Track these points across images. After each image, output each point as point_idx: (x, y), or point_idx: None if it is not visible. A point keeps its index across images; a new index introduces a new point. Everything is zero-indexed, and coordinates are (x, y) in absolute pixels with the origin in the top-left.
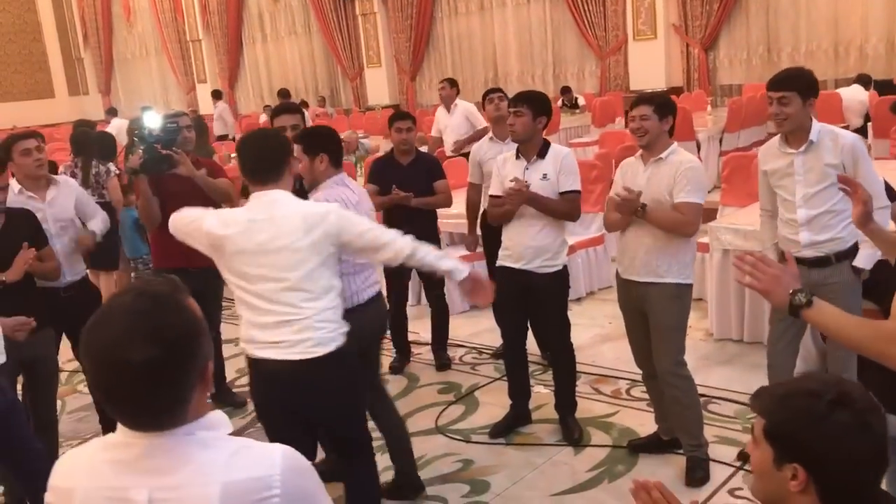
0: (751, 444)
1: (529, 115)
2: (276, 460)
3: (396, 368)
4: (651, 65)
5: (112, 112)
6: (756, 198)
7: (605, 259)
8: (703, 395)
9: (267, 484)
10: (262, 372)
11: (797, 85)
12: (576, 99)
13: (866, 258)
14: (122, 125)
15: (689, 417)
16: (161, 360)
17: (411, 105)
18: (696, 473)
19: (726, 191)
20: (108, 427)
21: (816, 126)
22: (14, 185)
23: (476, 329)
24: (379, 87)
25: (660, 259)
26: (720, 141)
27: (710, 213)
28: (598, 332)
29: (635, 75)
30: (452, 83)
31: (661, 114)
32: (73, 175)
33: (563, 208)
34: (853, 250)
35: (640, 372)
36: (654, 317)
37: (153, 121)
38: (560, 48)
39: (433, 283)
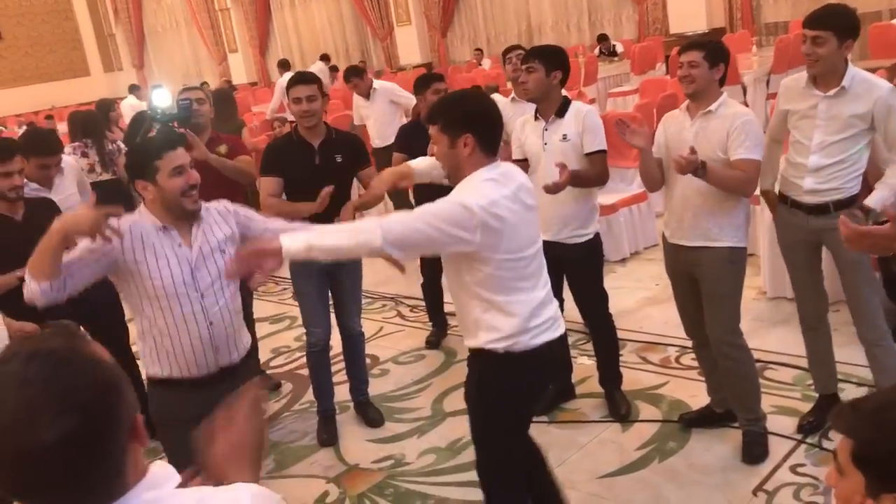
0: (832, 474)
1: (542, 71)
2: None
3: (433, 343)
4: (691, 5)
5: (133, 88)
6: None
7: (649, 216)
8: (758, 361)
9: None
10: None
11: (835, 24)
12: (613, 46)
13: (879, 200)
14: (135, 104)
15: (745, 389)
16: (79, 433)
17: (443, 62)
18: (755, 449)
19: None
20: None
21: (851, 71)
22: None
23: None
24: (410, 45)
25: (711, 221)
26: (767, 83)
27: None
28: (644, 296)
29: (675, 18)
30: (357, 71)
31: (713, 60)
32: (85, 155)
33: (592, 174)
34: (853, 199)
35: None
36: (706, 284)
37: (163, 99)
38: None
39: None
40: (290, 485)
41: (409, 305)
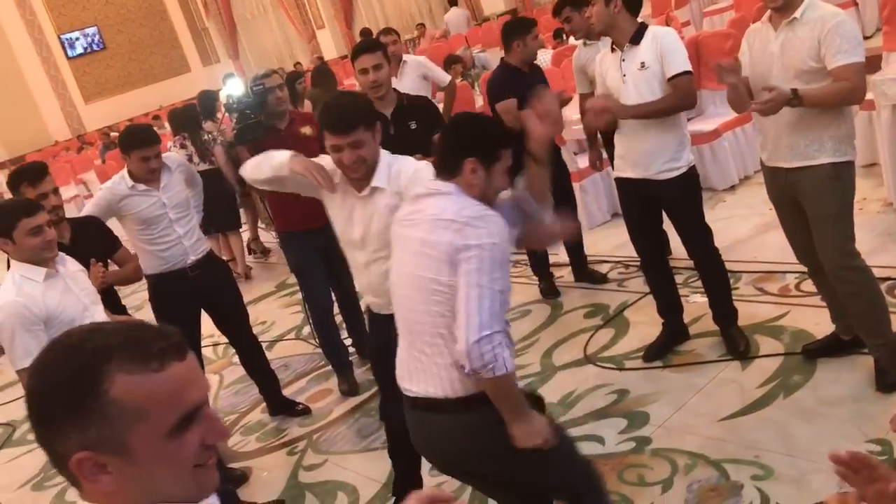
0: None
1: (601, 2)
2: None
3: (546, 291)
4: None
5: (227, 77)
6: None
7: (755, 137)
8: (886, 279)
9: None
10: None
11: None
12: None
13: None
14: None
15: (871, 313)
16: None
17: (529, 7)
18: (889, 377)
19: (888, 33)
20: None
21: None
22: (127, 180)
23: (619, 241)
24: None
25: (809, 137)
26: None
27: (872, 63)
28: (757, 222)
29: None
30: (388, 32)
31: None
32: (184, 147)
33: (670, 102)
34: None
35: None
36: (811, 206)
37: (236, 88)
38: None
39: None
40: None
41: (511, 261)
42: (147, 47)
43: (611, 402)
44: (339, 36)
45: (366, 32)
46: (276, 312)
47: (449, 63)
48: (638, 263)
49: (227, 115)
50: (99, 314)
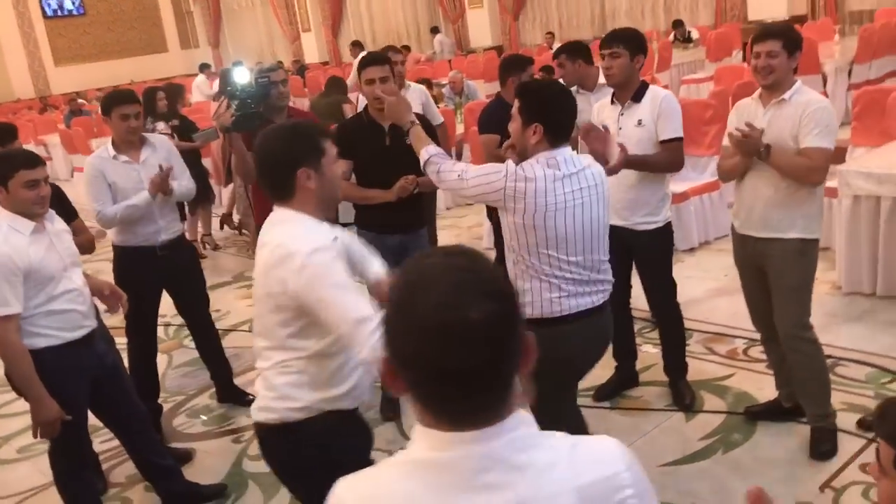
0: (875, 470)
1: (626, 56)
2: (617, 454)
3: None
4: None
5: (203, 67)
6: (890, 137)
7: (720, 206)
8: (829, 357)
9: (619, 483)
10: None
11: None
12: (689, 33)
13: None
14: (200, 83)
15: (815, 385)
16: (499, 317)
17: (514, 46)
18: (823, 446)
19: (857, 129)
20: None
21: None
22: (109, 149)
23: None
24: (481, 28)
25: (781, 212)
26: (849, 73)
27: (838, 154)
28: (712, 286)
29: (753, 4)
30: (397, 50)
31: (791, 49)
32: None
33: (664, 160)
34: None
35: None
36: (775, 275)
37: (242, 76)
38: None
39: None
40: None
41: None
42: (127, 21)
43: None
44: (323, 42)
45: (357, 44)
46: (232, 303)
47: (430, 85)
48: None
49: (227, 99)
50: (77, 276)
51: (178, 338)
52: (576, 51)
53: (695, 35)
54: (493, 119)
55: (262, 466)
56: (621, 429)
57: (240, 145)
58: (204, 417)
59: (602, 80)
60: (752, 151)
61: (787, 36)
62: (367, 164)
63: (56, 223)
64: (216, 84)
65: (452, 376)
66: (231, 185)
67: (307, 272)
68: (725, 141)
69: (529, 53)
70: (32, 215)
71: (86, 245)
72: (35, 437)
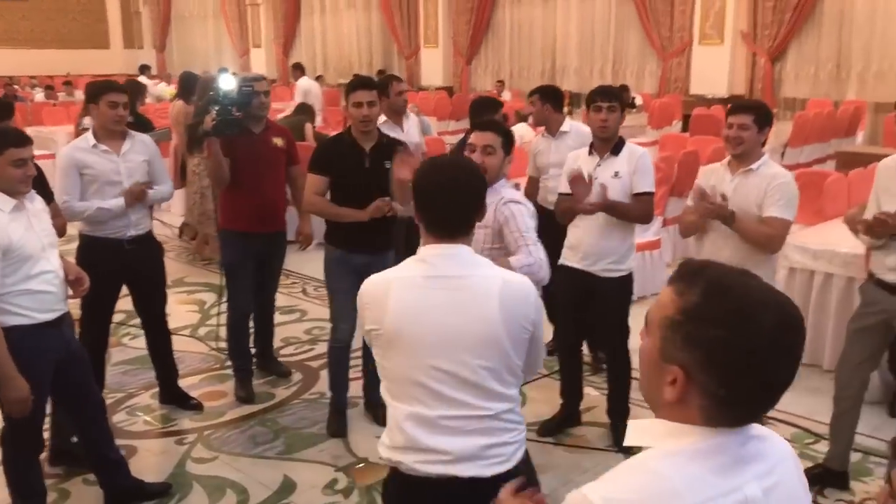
0: (885, 497)
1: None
2: None
3: None
4: (714, 70)
5: (144, 69)
6: (824, 216)
7: (660, 264)
8: None
9: None
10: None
11: None
12: (633, 98)
13: None
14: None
15: None
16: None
17: (464, 88)
18: None
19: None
20: (163, 385)
21: None
22: (90, 138)
23: None
24: (434, 68)
25: None
26: (782, 155)
27: None
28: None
29: (697, 79)
30: (399, 79)
31: (761, 124)
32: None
33: (637, 211)
34: None
35: None
36: None
37: (228, 83)
38: (622, 45)
39: None
40: (299, 468)
41: None
42: (71, 12)
43: None
44: (273, 60)
45: (298, 66)
46: (172, 306)
47: None
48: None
49: (211, 108)
50: (54, 257)
51: (118, 335)
52: (548, 95)
53: (639, 101)
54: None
55: (206, 469)
56: (564, 464)
57: (217, 150)
58: (145, 416)
59: (565, 127)
60: (718, 217)
61: (758, 112)
62: (344, 184)
63: (36, 203)
64: (161, 86)
65: (780, 387)
66: (184, 189)
67: (538, 304)
68: (690, 200)
69: (476, 94)
70: (15, 193)
71: (58, 230)
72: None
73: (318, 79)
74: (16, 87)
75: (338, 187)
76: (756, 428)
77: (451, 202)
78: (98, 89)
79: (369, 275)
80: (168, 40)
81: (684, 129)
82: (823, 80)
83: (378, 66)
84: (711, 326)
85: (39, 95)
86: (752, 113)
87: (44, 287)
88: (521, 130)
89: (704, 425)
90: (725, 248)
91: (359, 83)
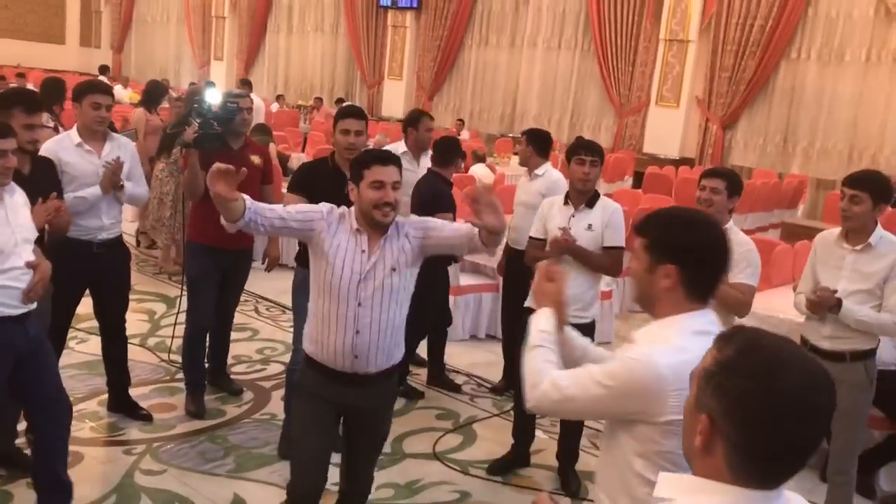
0: None
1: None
2: None
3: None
4: (668, 132)
5: (103, 70)
6: (770, 283)
7: (609, 314)
8: None
9: None
10: None
11: (870, 186)
12: None
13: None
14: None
15: None
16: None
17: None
18: None
19: None
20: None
21: (879, 231)
22: (74, 136)
23: (474, 359)
24: (395, 99)
25: None
26: None
27: None
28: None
29: (651, 139)
30: (431, 117)
31: (731, 191)
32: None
33: (605, 263)
34: (871, 352)
35: None
36: None
37: (214, 97)
38: (581, 98)
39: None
40: (250, 488)
41: None
42: (28, 3)
43: (453, 500)
44: (234, 73)
45: (246, 83)
46: None
47: None
48: (489, 385)
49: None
50: (27, 253)
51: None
52: (534, 138)
53: None
54: (445, 197)
55: (155, 482)
56: (512, 502)
57: (194, 162)
58: (92, 423)
59: (540, 171)
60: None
61: (731, 179)
62: None
63: (16, 196)
64: (118, 88)
65: (802, 449)
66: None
67: None
68: None
69: (438, 133)
70: None
71: (63, 226)
72: None
73: (279, 98)
74: None
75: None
76: (786, 494)
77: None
78: (83, 89)
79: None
80: (127, 42)
81: (635, 185)
82: (770, 151)
83: (339, 92)
84: (740, 377)
85: None
86: (725, 179)
87: (12, 283)
88: (478, 171)
89: (732, 483)
90: None
91: (350, 111)
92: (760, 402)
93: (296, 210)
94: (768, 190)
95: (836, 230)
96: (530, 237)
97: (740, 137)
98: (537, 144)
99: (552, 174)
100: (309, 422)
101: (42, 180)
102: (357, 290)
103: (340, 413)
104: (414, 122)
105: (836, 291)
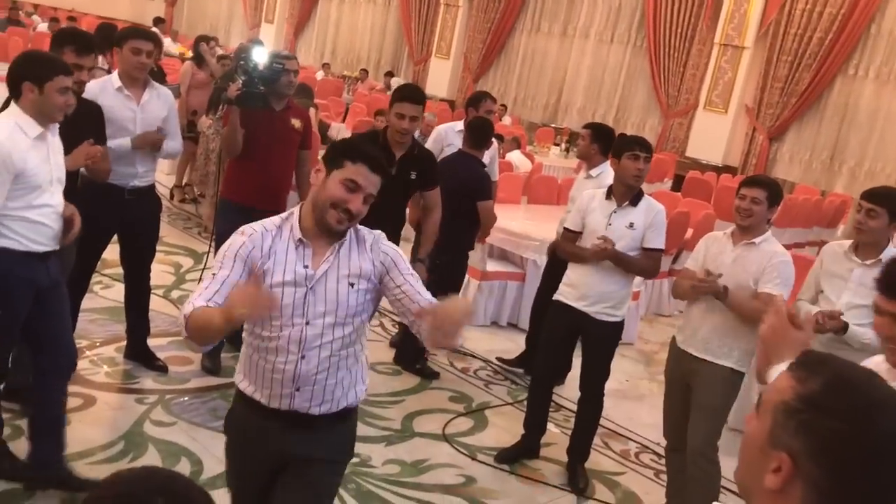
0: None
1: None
2: None
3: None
4: (713, 138)
5: (157, 21)
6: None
7: (635, 316)
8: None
9: None
10: None
11: (888, 203)
12: None
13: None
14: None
15: (704, 502)
16: None
17: None
18: None
19: None
20: (132, 341)
21: (891, 249)
22: (115, 80)
23: (492, 346)
24: (440, 78)
25: (722, 341)
26: None
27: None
28: (614, 387)
29: (695, 143)
30: (494, 99)
31: (772, 201)
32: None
33: (643, 265)
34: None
35: (650, 438)
36: (699, 394)
37: (261, 56)
38: (628, 95)
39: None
40: None
41: (394, 320)
42: None
43: (459, 483)
44: (283, 38)
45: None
46: None
47: (378, 114)
48: (505, 373)
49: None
50: (59, 194)
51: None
52: (600, 135)
53: None
54: (487, 181)
55: (163, 433)
56: (518, 494)
57: (235, 119)
58: (107, 369)
59: (595, 171)
60: (711, 293)
61: (772, 189)
62: None
63: (56, 137)
64: (168, 41)
65: (891, 497)
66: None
67: None
68: (689, 263)
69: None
70: (49, 120)
71: (102, 174)
72: None
73: (325, 66)
74: (20, 11)
75: None
76: None
77: None
78: (124, 34)
79: None
80: None
81: (674, 188)
82: (816, 167)
83: (387, 65)
84: (831, 418)
85: (42, 26)
86: (766, 189)
87: (42, 219)
88: (514, 158)
89: None
90: (715, 314)
91: (408, 94)
92: (856, 446)
93: (220, 266)
94: (810, 207)
95: (847, 242)
96: (565, 228)
97: (786, 150)
98: (602, 143)
99: (606, 178)
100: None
101: (85, 124)
102: (304, 307)
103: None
104: (475, 102)
105: (841, 314)
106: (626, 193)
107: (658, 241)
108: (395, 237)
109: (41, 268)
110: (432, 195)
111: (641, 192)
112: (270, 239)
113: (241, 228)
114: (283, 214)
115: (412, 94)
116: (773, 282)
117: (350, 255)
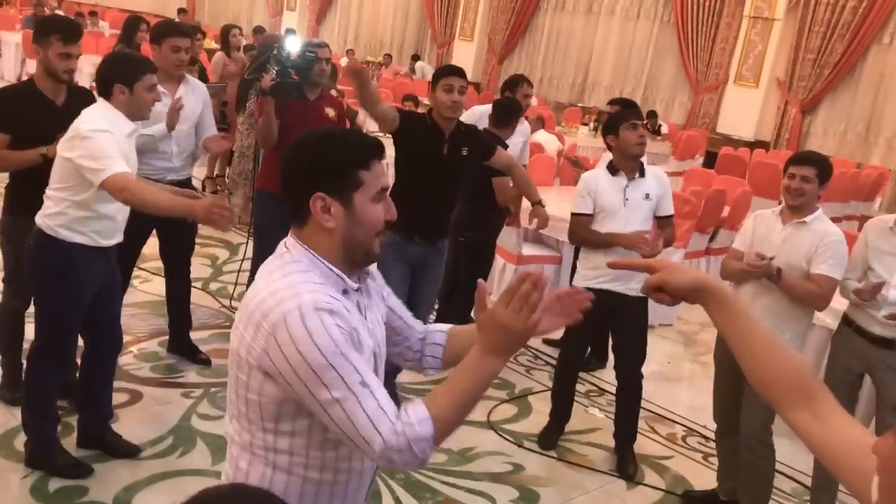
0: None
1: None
2: None
3: None
4: (745, 112)
5: (181, 11)
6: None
7: None
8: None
9: None
10: None
11: None
12: (659, 126)
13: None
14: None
15: (760, 487)
16: None
17: (493, 87)
18: None
19: None
20: (174, 335)
21: None
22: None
23: None
24: (464, 61)
25: (773, 321)
26: None
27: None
28: (655, 370)
29: (725, 118)
30: (530, 84)
31: (822, 178)
32: None
33: (668, 237)
34: None
35: (696, 421)
36: None
37: (293, 45)
38: (657, 72)
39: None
40: None
41: None
42: None
43: (507, 471)
44: (305, 25)
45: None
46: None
47: (417, 103)
48: (546, 358)
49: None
50: None
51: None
52: (625, 110)
53: (664, 129)
54: None
55: (211, 427)
56: (566, 481)
57: (270, 110)
58: (151, 364)
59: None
60: (765, 276)
61: (822, 166)
62: (417, 163)
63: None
64: None
65: None
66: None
67: None
68: (737, 241)
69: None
70: (139, 118)
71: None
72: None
73: (348, 53)
74: (44, 7)
75: (410, 166)
76: None
77: None
78: (162, 31)
79: (422, 271)
80: None
81: (706, 164)
82: (851, 140)
83: (410, 50)
84: None
85: None
86: (816, 167)
87: (115, 215)
88: (542, 138)
89: None
90: (766, 296)
91: (453, 69)
92: None
93: (352, 369)
94: (846, 180)
95: (890, 217)
96: (573, 213)
97: (819, 123)
98: (633, 116)
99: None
100: None
101: (77, 112)
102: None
103: None
104: (512, 85)
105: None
106: (633, 166)
107: (671, 208)
108: (448, 219)
109: (105, 260)
110: (498, 159)
111: (643, 163)
112: (341, 304)
113: (318, 318)
114: (300, 268)
115: (456, 69)
116: (827, 262)
117: (373, 298)
